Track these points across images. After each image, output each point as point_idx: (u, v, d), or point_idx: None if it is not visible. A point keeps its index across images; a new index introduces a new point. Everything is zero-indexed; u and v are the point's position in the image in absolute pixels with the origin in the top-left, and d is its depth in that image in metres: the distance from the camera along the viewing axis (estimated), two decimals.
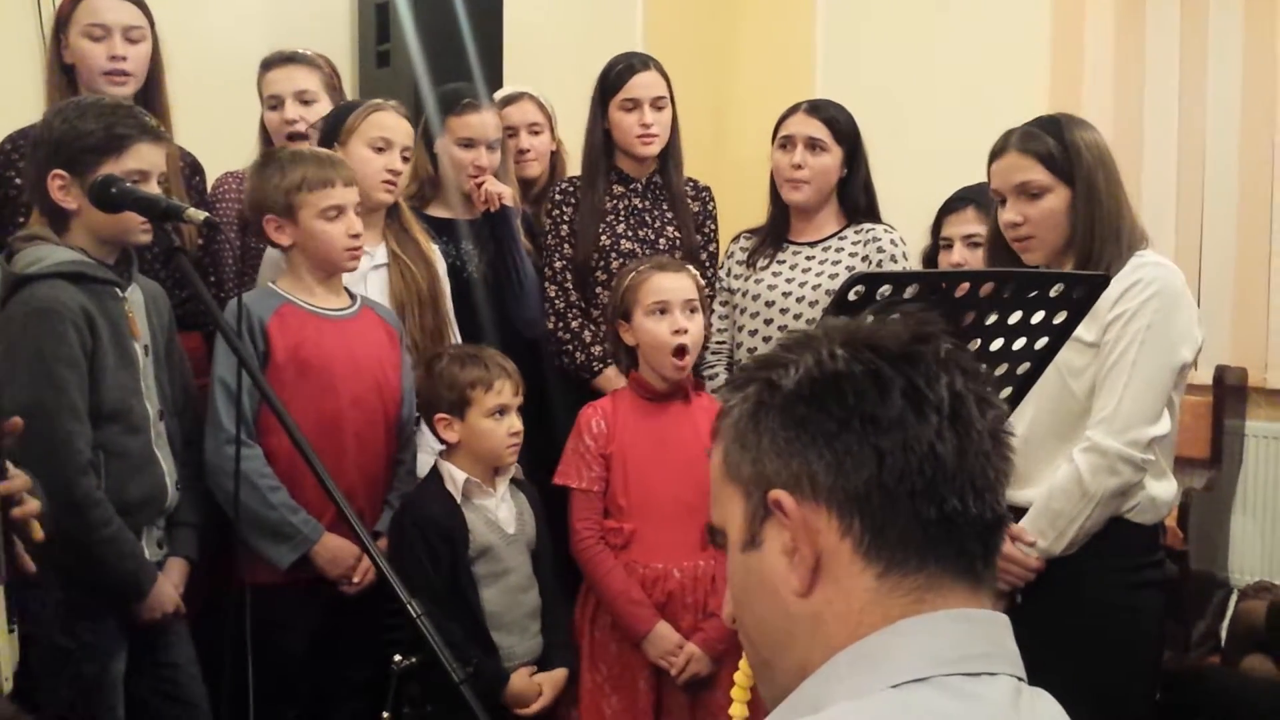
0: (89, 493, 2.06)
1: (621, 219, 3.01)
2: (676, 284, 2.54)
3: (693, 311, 2.55)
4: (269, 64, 2.99)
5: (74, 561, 2.06)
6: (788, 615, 0.88)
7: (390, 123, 2.68)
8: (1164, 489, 2.19)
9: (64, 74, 2.62)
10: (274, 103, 2.96)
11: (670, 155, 3.06)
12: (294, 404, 2.08)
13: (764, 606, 0.90)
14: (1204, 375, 3.55)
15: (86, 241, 2.15)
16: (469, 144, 2.94)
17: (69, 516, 2.02)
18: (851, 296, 1.33)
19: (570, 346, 2.97)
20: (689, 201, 3.09)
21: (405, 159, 2.70)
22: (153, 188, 2.13)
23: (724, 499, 0.93)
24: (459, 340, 2.76)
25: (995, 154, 2.22)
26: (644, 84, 2.97)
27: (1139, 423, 2.10)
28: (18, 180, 2.46)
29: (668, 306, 2.51)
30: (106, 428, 2.11)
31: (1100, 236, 2.14)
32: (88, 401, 2.07)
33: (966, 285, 1.41)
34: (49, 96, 2.63)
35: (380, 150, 2.65)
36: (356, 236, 2.42)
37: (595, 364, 2.95)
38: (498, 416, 2.40)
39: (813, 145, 2.86)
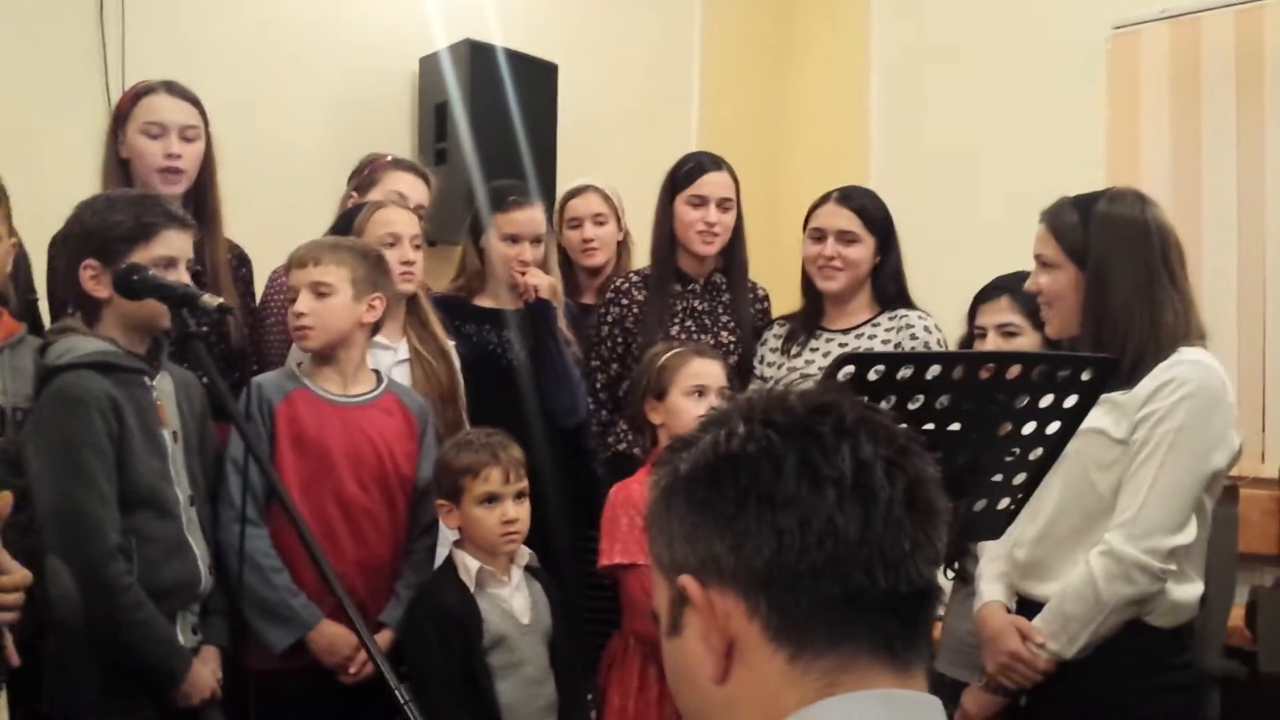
0: (117, 577, 2.08)
1: (677, 320, 3.04)
2: (713, 370, 2.60)
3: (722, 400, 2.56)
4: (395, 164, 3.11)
5: (107, 646, 2.07)
6: (709, 702, 0.85)
7: (394, 217, 2.75)
8: (1187, 592, 2.06)
9: (120, 168, 2.70)
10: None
11: (735, 258, 3.09)
12: (295, 488, 2.12)
13: (688, 693, 0.88)
14: (1271, 469, 3.40)
15: (117, 330, 2.20)
16: (514, 239, 3.02)
17: (99, 602, 2.04)
18: (841, 377, 1.33)
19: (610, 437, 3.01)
20: (749, 306, 3.11)
21: (416, 247, 2.75)
22: (181, 274, 2.19)
23: (656, 583, 0.92)
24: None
25: (1040, 219, 2.19)
26: (713, 183, 3.02)
27: (1160, 531, 1.98)
28: None
29: (705, 390, 2.55)
30: (138, 513, 2.14)
31: (1113, 323, 2.03)
32: (116, 488, 2.11)
33: (962, 369, 1.38)
34: (105, 190, 2.69)
35: (391, 245, 2.68)
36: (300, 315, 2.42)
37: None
38: (488, 505, 2.37)
39: (844, 238, 2.84)
